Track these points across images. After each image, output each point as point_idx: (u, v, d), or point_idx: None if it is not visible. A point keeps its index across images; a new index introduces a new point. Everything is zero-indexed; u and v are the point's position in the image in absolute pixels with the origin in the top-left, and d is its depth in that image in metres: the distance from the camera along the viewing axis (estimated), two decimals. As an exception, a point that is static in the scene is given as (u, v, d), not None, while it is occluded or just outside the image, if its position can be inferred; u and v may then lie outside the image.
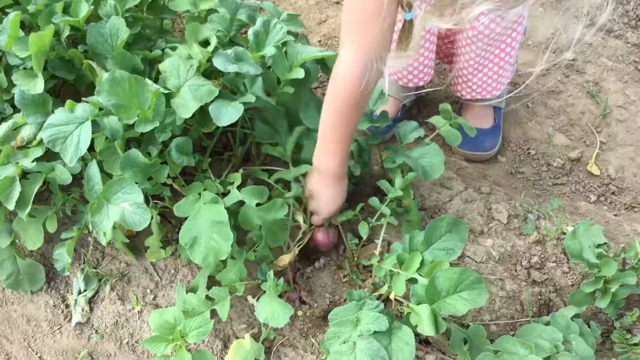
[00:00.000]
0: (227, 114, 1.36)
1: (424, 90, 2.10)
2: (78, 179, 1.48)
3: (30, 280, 1.59)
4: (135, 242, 1.60)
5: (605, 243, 1.54)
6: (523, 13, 1.78)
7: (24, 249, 1.62)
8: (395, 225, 1.56)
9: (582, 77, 2.26)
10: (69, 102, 1.32)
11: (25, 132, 1.43)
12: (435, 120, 1.65)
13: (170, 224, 1.62)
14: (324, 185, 1.56)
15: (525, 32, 1.90)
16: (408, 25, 1.27)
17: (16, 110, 1.49)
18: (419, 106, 2.19)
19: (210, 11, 1.67)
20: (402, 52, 1.33)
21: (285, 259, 1.50)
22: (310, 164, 1.55)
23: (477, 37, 1.80)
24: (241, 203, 1.42)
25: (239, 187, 1.46)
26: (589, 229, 1.43)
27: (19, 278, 1.57)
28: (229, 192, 1.45)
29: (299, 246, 1.53)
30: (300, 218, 1.54)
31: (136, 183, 1.29)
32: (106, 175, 1.37)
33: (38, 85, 1.38)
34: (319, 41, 2.41)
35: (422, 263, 1.32)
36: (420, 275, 1.29)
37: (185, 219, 1.36)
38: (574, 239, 1.43)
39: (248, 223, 1.42)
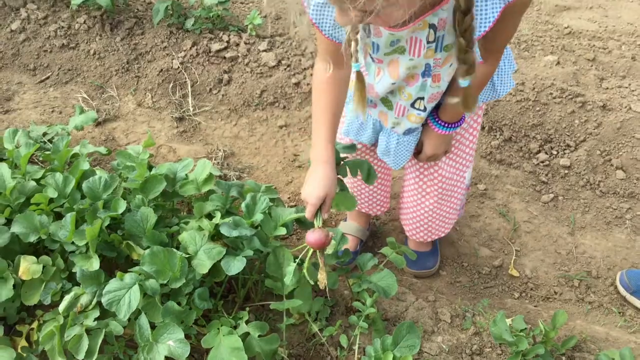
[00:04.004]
0: (235, 265, 1.83)
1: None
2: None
3: (88, 417, 1.93)
4: (168, 375, 1.99)
5: (525, 328, 2.05)
6: (467, 165, 2.11)
7: (82, 392, 1.97)
8: (366, 334, 2.04)
9: (494, 201, 2.75)
10: (119, 273, 1.81)
11: (84, 300, 1.88)
12: (385, 250, 2.10)
13: (193, 358, 2.05)
14: (309, 172, 1.78)
15: (469, 186, 2.34)
16: (357, 76, 1.55)
17: (74, 283, 1.96)
18: (374, 239, 2.66)
19: (210, 192, 2.23)
20: (360, 106, 1.61)
21: None
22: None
23: (432, 188, 2.17)
24: (247, 334, 1.84)
25: (246, 322, 1.90)
26: (504, 318, 1.93)
27: (79, 417, 1.92)
28: (239, 325, 1.92)
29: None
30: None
31: (175, 326, 1.76)
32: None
33: (94, 265, 1.85)
34: (288, 198, 2.80)
35: (394, 358, 1.77)
36: (393, 368, 1.73)
37: (209, 349, 1.80)
38: (495, 326, 1.90)
39: (250, 350, 1.80)
